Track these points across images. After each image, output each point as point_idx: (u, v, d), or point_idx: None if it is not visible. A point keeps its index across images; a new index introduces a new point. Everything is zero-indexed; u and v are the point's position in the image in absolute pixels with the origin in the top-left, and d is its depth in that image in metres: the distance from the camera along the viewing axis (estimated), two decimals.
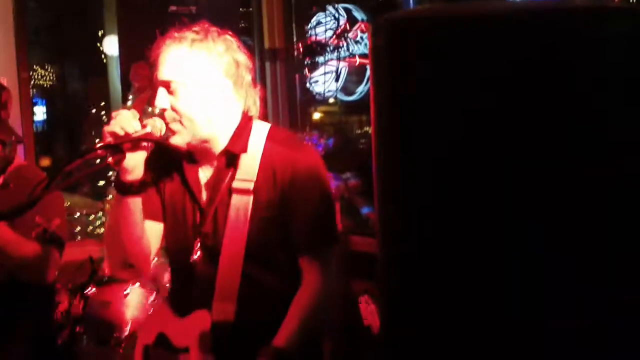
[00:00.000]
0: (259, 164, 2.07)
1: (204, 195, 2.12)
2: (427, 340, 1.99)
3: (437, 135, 1.93)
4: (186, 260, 2.12)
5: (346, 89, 5.75)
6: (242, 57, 2.11)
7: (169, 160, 2.15)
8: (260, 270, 2.08)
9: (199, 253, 2.09)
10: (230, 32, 2.13)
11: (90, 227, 5.07)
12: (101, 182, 5.12)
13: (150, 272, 3.39)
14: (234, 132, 2.10)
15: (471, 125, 1.87)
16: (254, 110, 2.14)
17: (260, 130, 2.14)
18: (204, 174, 2.13)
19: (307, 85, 5.83)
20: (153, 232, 2.16)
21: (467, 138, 1.88)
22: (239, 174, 2.07)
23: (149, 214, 2.13)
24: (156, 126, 2.00)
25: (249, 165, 2.07)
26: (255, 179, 2.06)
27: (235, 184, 2.06)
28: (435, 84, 1.92)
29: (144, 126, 1.99)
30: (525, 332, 1.78)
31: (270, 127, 2.17)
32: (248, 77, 2.12)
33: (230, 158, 2.09)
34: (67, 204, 3.39)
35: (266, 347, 1.99)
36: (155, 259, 2.27)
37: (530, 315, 1.77)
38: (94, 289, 3.67)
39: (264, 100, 2.20)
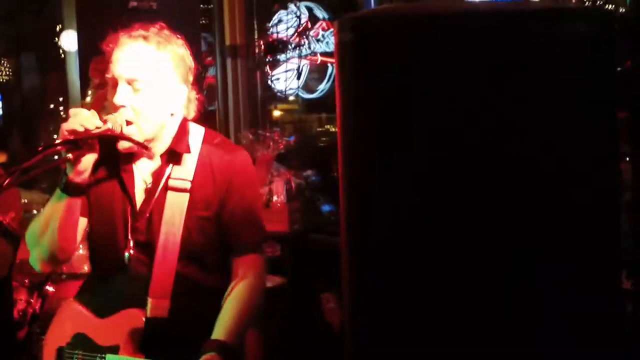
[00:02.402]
0: (197, 164, 2.12)
1: (140, 193, 2.12)
2: (390, 336, 1.99)
3: (402, 130, 1.94)
4: (114, 257, 2.13)
5: (307, 87, 5.76)
6: (192, 63, 2.17)
7: (104, 155, 2.14)
8: (194, 267, 2.12)
9: (131, 251, 2.09)
10: (182, 38, 2.17)
11: None
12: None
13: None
14: (176, 132, 2.14)
15: (434, 119, 1.88)
16: (192, 112, 2.20)
17: (196, 132, 2.20)
18: (141, 171, 2.15)
19: (269, 82, 5.82)
20: (79, 227, 2.17)
21: (431, 132, 1.89)
22: (176, 173, 2.12)
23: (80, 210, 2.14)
24: (117, 122, 2.00)
25: (187, 164, 2.12)
26: (192, 178, 2.10)
27: (172, 182, 2.11)
28: (398, 79, 1.93)
29: (104, 122, 1.98)
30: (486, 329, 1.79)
31: (205, 130, 2.24)
32: (195, 76, 2.19)
33: (172, 157, 2.12)
34: (24, 200, 3.34)
35: (209, 342, 2.02)
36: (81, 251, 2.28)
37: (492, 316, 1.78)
38: (51, 287, 3.63)
39: (202, 104, 2.26)
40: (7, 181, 1.80)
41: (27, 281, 3.58)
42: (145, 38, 2.06)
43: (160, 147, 2.13)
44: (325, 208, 5.10)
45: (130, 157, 2.15)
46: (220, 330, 2.05)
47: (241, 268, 2.14)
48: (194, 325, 2.08)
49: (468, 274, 1.85)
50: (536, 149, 1.85)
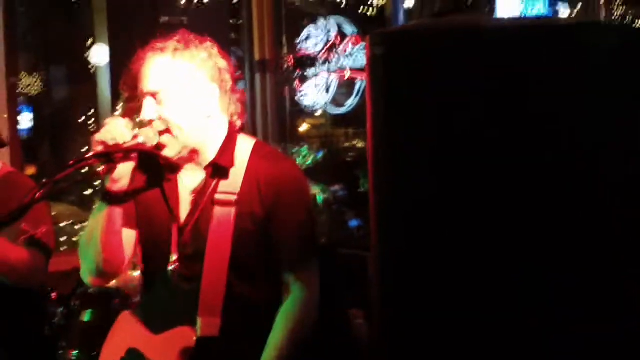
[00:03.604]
0: (244, 177, 2.08)
1: (185, 206, 2.11)
2: (419, 353, 1.98)
3: (434, 144, 1.94)
4: (159, 271, 2.11)
5: (335, 102, 5.77)
6: (224, 63, 2.13)
7: (150, 169, 2.14)
8: (244, 283, 2.07)
9: (176, 264, 2.08)
10: (209, 40, 2.14)
11: (76, 237, 5.03)
12: (88, 191, 5.08)
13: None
14: (222, 144, 2.11)
15: (465, 132, 1.88)
16: (235, 115, 2.16)
17: (245, 144, 2.15)
18: (187, 184, 2.13)
19: (297, 97, 5.84)
20: (127, 239, 2.15)
21: (462, 145, 1.88)
22: (222, 187, 2.08)
23: (126, 222, 2.12)
24: (149, 136, 2.00)
25: (233, 177, 2.09)
26: (238, 191, 2.06)
27: (218, 196, 2.07)
28: (429, 94, 1.93)
29: (135, 136, 1.99)
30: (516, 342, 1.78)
31: (256, 142, 2.19)
32: (230, 83, 2.14)
33: (217, 170, 2.09)
34: (53, 213, 3.36)
35: None
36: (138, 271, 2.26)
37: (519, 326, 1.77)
38: (77, 302, 3.63)
39: (244, 105, 2.21)
40: (39, 194, 1.80)
41: (55, 294, 3.60)
42: (162, 50, 2.07)
43: (205, 158, 2.11)
44: (353, 223, 5.09)
45: (177, 170, 2.13)
46: (271, 350, 2.02)
47: (293, 284, 2.09)
48: (246, 343, 2.04)
49: (502, 291, 1.84)
50: (567, 161, 1.84)
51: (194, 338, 2.01)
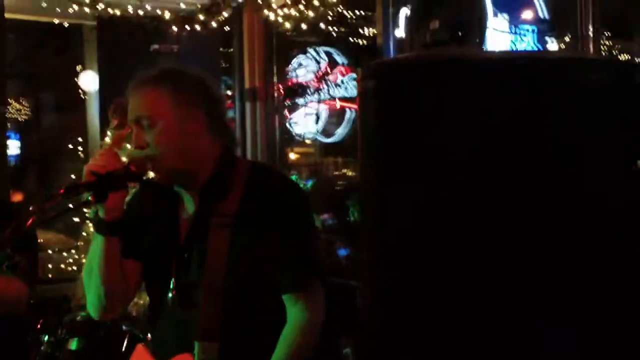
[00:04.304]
0: (241, 198, 2.06)
1: (183, 232, 2.10)
2: None
3: (425, 177, 1.94)
4: (160, 299, 2.10)
5: (325, 131, 5.78)
6: (214, 89, 2.13)
7: (147, 198, 2.14)
8: (243, 305, 2.04)
9: (175, 291, 2.07)
10: (199, 67, 2.16)
11: (63, 265, 5.00)
12: (75, 219, 5.06)
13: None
14: (215, 166, 2.09)
15: (456, 166, 1.88)
16: (229, 141, 2.15)
17: (242, 166, 2.14)
18: (184, 210, 2.12)
19: (287, 125, 5.85)
20: (130, 269, 2.13)
21: (453, 179, 1.89)
22: (218, 208, 2.06)
23: (128, 253, 2.10)
24: (140, 164, 2.00)
25: (230, 199, 2.06)
26: (234, 213, 2.04)
27: (214, 219, 2.05)
28: (421, 126, 1.93)
29: (127, 164, 1.99)
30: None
31: (253, 163, 2.21)
32: (223, 109, 2.15)
33: (212, 194, 2.08)
34: (40, 240, 3.34)
35: None
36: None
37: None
38: (64, 330, 3.60)
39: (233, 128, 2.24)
40: (29, 222, 1.79)
41: (41, 322, 3.57)
42: (152, 77, 2.07)
43: (200, 182, 2.10)
44: (342, 252, 5.08)
45: (173, 193, 2.13)
46: None
47: (293, 306, 2.04)
48: None
49: (491, 318, 1.83)
50: (556, 196, 1.84)
51: None
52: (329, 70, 5.60)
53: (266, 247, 2.04)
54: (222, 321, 2.00)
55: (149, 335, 2.28)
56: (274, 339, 2.03)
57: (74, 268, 4.79)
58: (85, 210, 3.88)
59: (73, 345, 3.53)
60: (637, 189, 2.04)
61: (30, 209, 1.85)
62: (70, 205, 2.00)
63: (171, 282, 2.07)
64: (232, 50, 5.84)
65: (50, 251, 5.04)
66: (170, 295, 2.07)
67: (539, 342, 1.83)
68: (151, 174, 2.09)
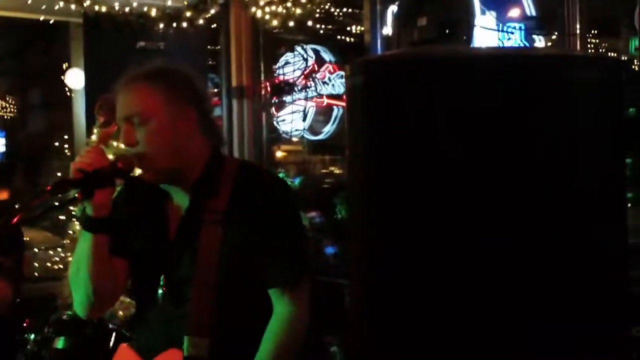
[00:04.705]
0: (230, 195, 2.07)
1: (174, 229, 2.10)
2: None
3: (412, 174, 1.94)
4: (149, 296, 2.10)
5: (313, 129, 5.78)
6: (201, 87, 2.15)
7: (133, 195, 2.14)
8: (233, 302, 2.05)
9: (165, 288, 2.06)
10: (186, 64, 2.17)
11: (49, 263, 4.97)
12: (62, 217, 5.03)
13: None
14: (205, 164, 2.10)
15: (443, 163, 1.88)
16: (217, 140, 2.17)
17: (230, 163, 2.16)
18: (174, 207, 2.12)
19: (274, 123, 5.85)
20: (119, 269, 2.12)
21: (440, 175, 1.89)
22: (210, 206, 2.06)
23: (115, 250, 2.10)
24: (127, 161, 2.00)
25: (220, 195, 2.07)
26: (225, 210, 2.06)
27: (205, 216, 2.06)
28: (408, 123, 1.93)
29: (113, 161, 1.98)
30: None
31: (242, 161, 2.25)
32: (210, 107, 2.18)
33: (202, 191, 2.08)
34: (25, 238, 3.32)
35: None
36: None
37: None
38: (50, 329, 3.59)
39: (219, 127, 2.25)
40: (15, 219, 1.78)
41: (28, 322, 3.56)
42: (138, 74, 2.07)
43: (190, 179, 2.10)
44: (329, 250, 5.08)
45: (163, 190, 2.12)
46: None
47: (280, 301, 2.07)
48: None
49: (479, 317, 1.83)
50: (544, 195, 1.85)
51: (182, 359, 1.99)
52: (316, 67, 5.60)
53: (257, 243, 2.05)
54: (213, 317, 2.01)
55: (134, 332, 2.26)
56: (260, 334, 2.05)
57: (61, 266, 4.76)
58: (71, 208, 3.86)
59: (59, 343, 3.52)
60: (625, 184, 2.05)
61: (17, 207, 1.85)
62: (56, 203, 2.01)
63: (161, 279, 2.08)
64: (219, 47, 5.84)
65: (36, 249, 5.02)
66: (160, 291, 2.07)
67: (529, 341, 1.83)
68: (137, 171, 2.09)
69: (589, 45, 5.78)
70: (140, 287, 2.16)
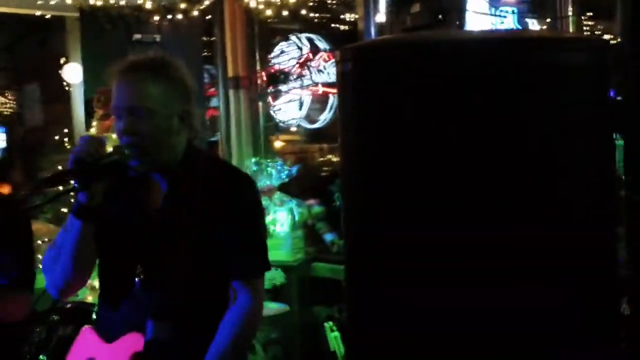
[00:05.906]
0: (201, 187, 2.15)
1: (148, 218, 2.16)
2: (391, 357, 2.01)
3: (404, 157, 1.98)
4: (123, 282, 2.15)
5: (309, 117, 5.80)
6: (192, 82, 2.20)
7: (123, 184, 2.18)
8: (199, 288, 2.13)
9: (140, 274, 2.13)
10: (180, 58, 2.21)
11: None
12: (64, 209, 5.07)
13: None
14: (183, 157, 2.18)
15: (434, 145, 1.92)
16: (194, 135, 2.23)
17: (203, 158, 2.25)
18: (150, 196, 2.18)
19: (271, 113, 5.87)
20: (94, 253, 2.19)
21: (432, 158, 1.93)
22: (182, 197, 2.14)
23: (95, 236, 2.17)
24: (123, 152, 2.05)
25: (192, 188, 2.15)
26: (196, 201, 2.13)
27: (178, 206, 2.13)
28: (399, 107, 1.97)
29: (110, 153, 2.03)
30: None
31: (211, 154, 2.31)
32: (195, 103, 2.22)
33: (177, 182, 2.15)
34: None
35: None
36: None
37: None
38: (56, 317, 3.63)
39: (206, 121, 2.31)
40: (27, 193, 1.80)
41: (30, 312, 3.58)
42: (134, 67, 2.11)
43: (169, 171, 2.16)
44: (328, 237, 5.13)
45: (141, 182, 2.18)
46: (211, 354, 2.07)
47: (241, 291, 2.14)
48: (197, 347, 2.08)
49: (472, 299, 1.88)
50: (534, 173, 1.88)
51: (142, 344, 2.06)
52: (311, 56, 5.61)
53: (222, 235, 2.13)
54: (179, 303, 2.09)
55: (97, 315, 2.32)
56: (218, 322, 2.11)
57: None
58: (72, 200, 3.89)
59: (65, 331, 3.57)
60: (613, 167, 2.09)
61: (21, 193, 1.89)
62: (60, 188, 2.06)
63: (135, 265, 2.14)
64: (214, 38, 5.85)
65: (39, 242, 5.04)
66: (137, 279, 2.13)
67: (521, 314, 1.88)
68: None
69: (584, 28, 5.80)
70: (111, 273, 2.21)
